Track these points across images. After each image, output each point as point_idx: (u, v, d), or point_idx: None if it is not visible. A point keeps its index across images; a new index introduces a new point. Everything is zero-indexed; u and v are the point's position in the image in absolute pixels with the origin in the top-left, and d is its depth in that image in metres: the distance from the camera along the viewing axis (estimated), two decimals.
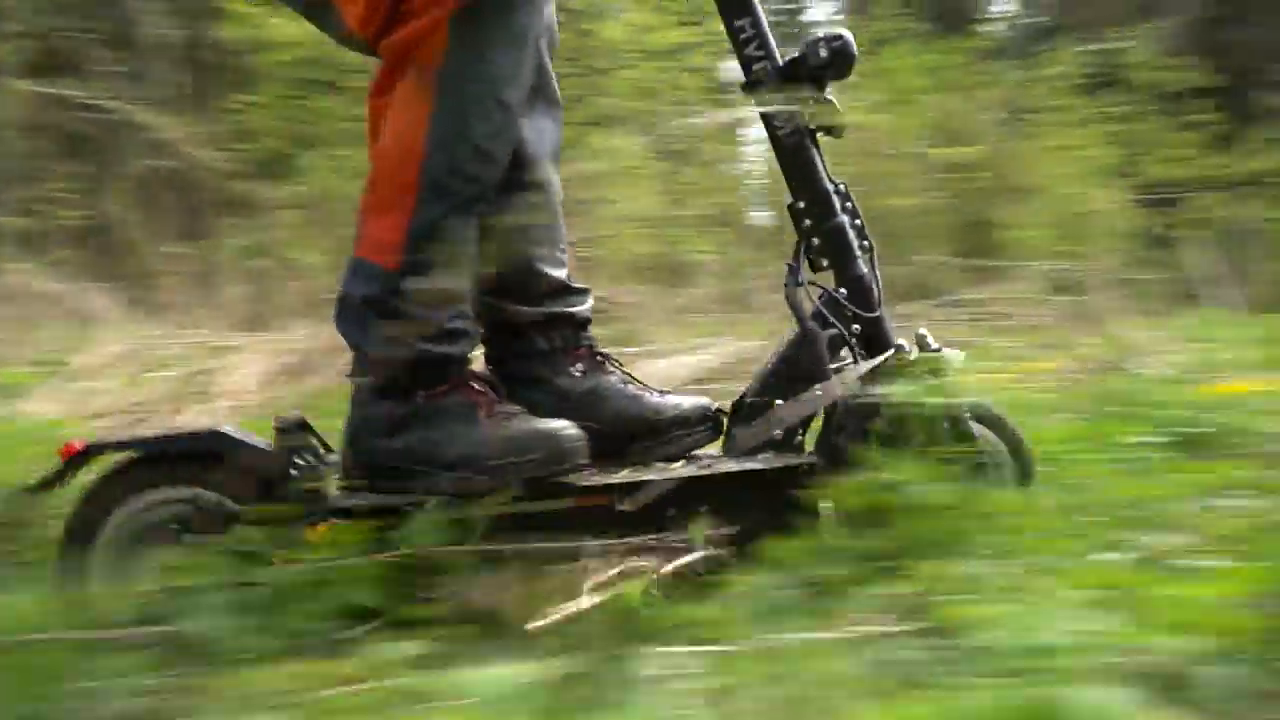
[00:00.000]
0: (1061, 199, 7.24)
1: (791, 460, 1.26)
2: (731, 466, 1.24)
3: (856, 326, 1.31)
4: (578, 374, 1.33)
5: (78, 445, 1.19)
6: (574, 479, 1.19)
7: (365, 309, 1.18)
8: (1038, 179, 7.25)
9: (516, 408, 1.22)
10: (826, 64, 1.27)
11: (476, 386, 1.22)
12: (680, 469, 1.26)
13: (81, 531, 1.18)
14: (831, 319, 1.30)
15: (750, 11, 1.30)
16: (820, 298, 1.32)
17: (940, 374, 1.28)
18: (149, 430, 1.47)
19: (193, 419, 2.33)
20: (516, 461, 1.15)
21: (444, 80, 1.14)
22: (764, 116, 1.31)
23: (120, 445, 1.22)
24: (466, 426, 1.18)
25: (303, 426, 1.26)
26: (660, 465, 1.28)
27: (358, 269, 1.20)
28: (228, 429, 1.23)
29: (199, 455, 1.20)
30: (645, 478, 1.21)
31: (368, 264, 1.19)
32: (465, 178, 1.17)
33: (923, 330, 1.34)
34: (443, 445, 1.16)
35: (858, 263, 1.32)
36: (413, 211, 1.15)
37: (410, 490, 1.16)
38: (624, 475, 1.22)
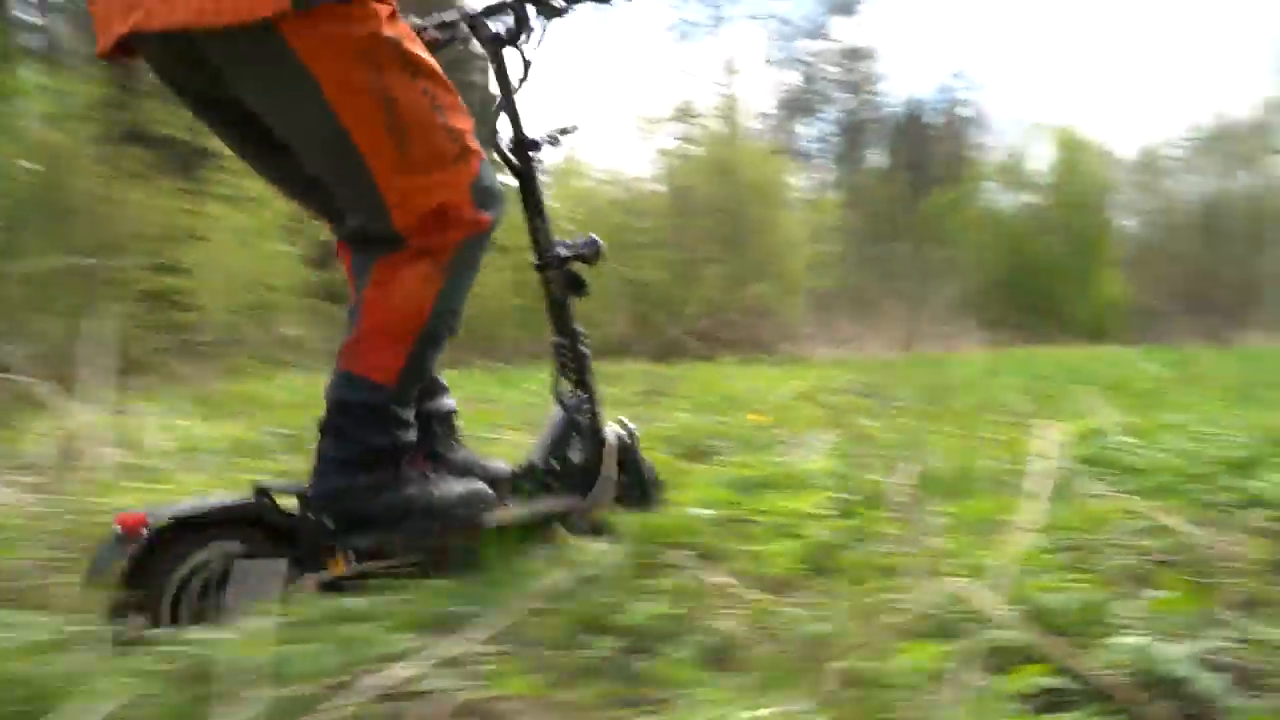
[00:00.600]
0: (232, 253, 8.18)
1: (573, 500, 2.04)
2: (556, 505, 1.97)
3: (586, 413, 2.15)
4: (457, 450, 1.91)
5: (135, 517, 1.42)
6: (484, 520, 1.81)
7: (365, 412, 1.64)
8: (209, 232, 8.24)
9: (445, 474, 1.78)
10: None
11: (420, 461, 1.75)
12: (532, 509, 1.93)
13: (141, 597, 1.41)
14: (575, 409, 2.12)
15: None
16: (570, 396, 2.12)
17: (634, 437, 2.19)
18: (191, 501, 1.65)
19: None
20: (464, 511, 1.74)
21: (450, 271, 1.65)
22: (545, 280, 2.06)
23: (174, 515, 1.47)
24: (424, 489, 1.72)
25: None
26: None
27: (355, 381, 1.64)
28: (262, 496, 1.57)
29: (242, 521, 1.53)
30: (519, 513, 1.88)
31: (367, 379, 1.64)
32: (449, 330, 1.71)
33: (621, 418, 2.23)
34: (412, 503, 1.69)
35: (588, 375, 2.16)
36: (412, 348, 1.64)
37: (390, 536, 1.66)
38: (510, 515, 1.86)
